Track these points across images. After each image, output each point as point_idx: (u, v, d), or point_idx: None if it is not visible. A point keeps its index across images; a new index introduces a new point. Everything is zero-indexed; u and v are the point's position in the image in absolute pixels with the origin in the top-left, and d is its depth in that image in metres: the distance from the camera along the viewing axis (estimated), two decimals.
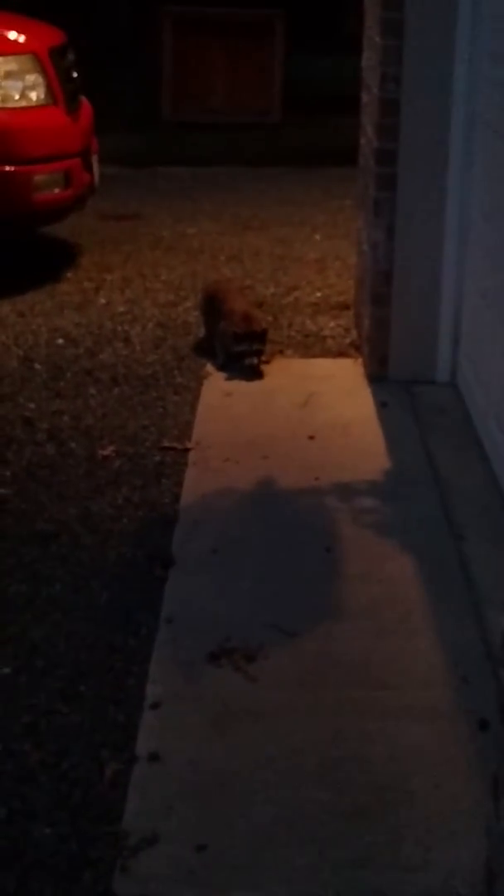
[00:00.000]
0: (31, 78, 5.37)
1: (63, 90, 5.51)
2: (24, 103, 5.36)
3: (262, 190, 7.46)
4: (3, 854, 2.12)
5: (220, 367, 4.37)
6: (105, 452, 3.73)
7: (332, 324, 4.93)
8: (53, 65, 5.45)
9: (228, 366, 4.35)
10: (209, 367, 4.40)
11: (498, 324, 3.52)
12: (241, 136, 8.97)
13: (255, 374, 4.29)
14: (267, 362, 4.41)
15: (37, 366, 4.47)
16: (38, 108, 5.40)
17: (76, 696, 2.55)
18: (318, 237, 6.36)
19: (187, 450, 3.73)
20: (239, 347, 4.29)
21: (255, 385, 4.26)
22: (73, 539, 3.21)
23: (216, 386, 4.25)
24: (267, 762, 2.32)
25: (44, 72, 5.38)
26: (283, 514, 3.33)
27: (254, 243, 6.22)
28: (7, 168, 5.24)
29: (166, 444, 3.79)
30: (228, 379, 4.29)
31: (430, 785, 2.26)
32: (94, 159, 5.87)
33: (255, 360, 4.30)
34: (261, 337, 4.32)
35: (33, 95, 5.38)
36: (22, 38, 5.50)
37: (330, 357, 4.57)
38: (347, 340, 4.72)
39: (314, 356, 4.59)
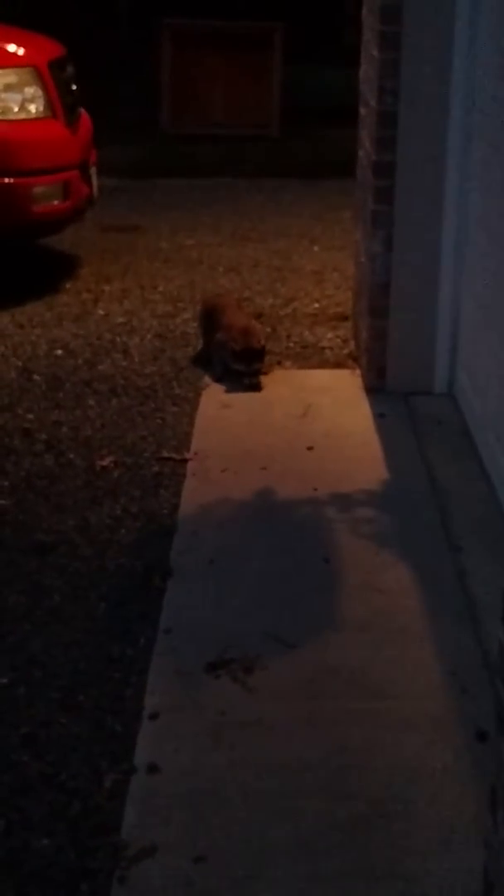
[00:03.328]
0: (31, 90, 5.39)
1: (62, 103, 5.53)
2: (23, 116, 5.38)
3: (260, 202, 7.48)
4: (2, 865, 2.12)
5: (218, 379, 4.38)
6: (104, 463, 3.73)
7: (330, 335, 4.94)
8: (53, 77, 5.47)
9: (226, 377, 4.35)
10: (207, 379, 4.41)
11: (495, 335, 3.53)
12: (240, 147, 8.99)
13: (254, 390, 4.29)
14: (265, 373, 4.42)
15: (35, 377, 4.48)
16: (37, 120, 5.42)
17: (75, 706, 2.55)
18: (316, 249, 6.37)
19: (186, 460, 3.74)
20: (237, 366, 4.30)
21: (253, 396, 4.27)
22: (71, 550, 3.21)
23: (214, 397, 4.26)
24: (265, 773, 2.32)
25: (43, 84, 5.40)
26: (282, 525, 3.33)
27: (252, 255, 6.24)
28: (6, 180, 5.26)
29: (165, 454, 3.79)
30: (227, 390, 4.30)
31: (428, 795, 2.26)
32: (93, 171, 5.89)
33: (255, 380, 4.30)
34: (259, 354, 4.33)
35: (32, 108, 5.40)
36: (21, 51, 5.53)
37: (328, 368, 4.58)
38: (345, 351, 4.73)
39: (312, 367, 4.60)
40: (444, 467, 3.63)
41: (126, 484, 3.60)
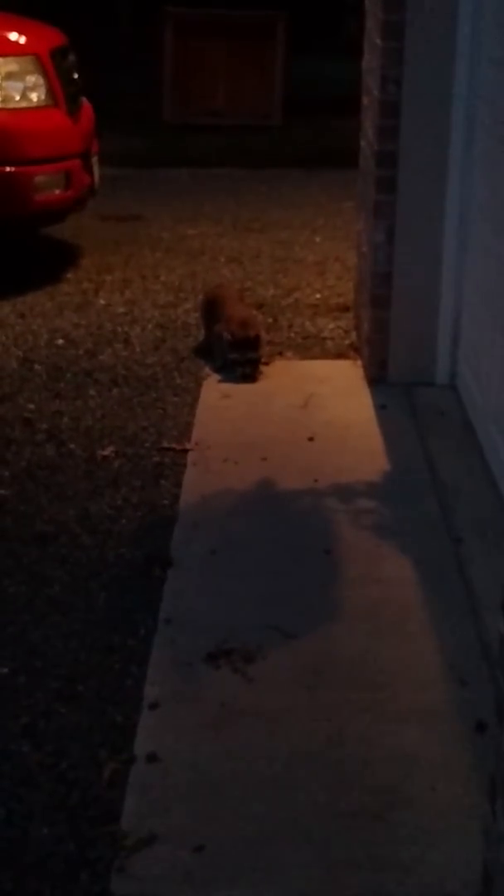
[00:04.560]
0: (32, 79, 5.37)
1: (64, 91, 5.51)
2: (24, 104, 5.36)
3: (262, 192, 7.47)
4: (2, 854, 2.12)
5: (218, 369, 4.37)
6: (104, 453, 3.73)
7: (331, 325, 4.93)
8: (54, 66, 5.46)
9: (226, 368, 4.35)
10: (208, 369, 4.41)
11: (497, 326, 3.52)
12: (242, 137, 8.97)
13: (248, 380, 4.27)
14: (266, 364, 4.41)
15: (36, 367, 4.47)
16: (38, 109, 5.41)
17: (75, 696, 2.55)
18: (318, 239, 6.36)
19: (186, 451, 3.74)
20: (232, 354, 4.30)
21: (254, 386, 4.26)
22: (72, 540, 3.21)
23: (215, 387, 4.25)
24: (265, 763, 2.32)
25: (45, 73, 5.39)
26: (282, 516, 3.33)
27: (254, 245, 6.23)
28: (8, 169, 5.25)
29: (165, 445, 3.79)
30: (227, 380, 4.30)
31: (427, 786, 2.26)
32: (95, 160, 5.88)
33: (248, 370, 4.29)
34: (254, 344, 4.32)
35: (34, 96, 5.39)
36: (23, 40, 5.51)
37: (329, 359, 4.58)
38: (347, 342, 4.72)
39: (314, 358, 4.59)
40: (445, 459, 3.63)
41: (127, 474, 3.60)
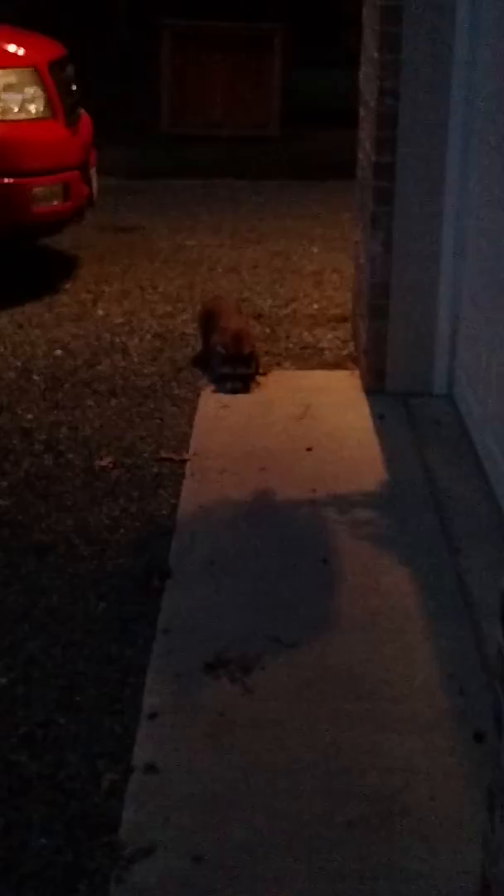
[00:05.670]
0: (31, 91, 5.39)
1: (62, 103, 5.53)
2: (23, 116, 5.38)
3: (260, 203, 7.48)
4: (0, 865, 2.12)
5: (214, 381, 4.37)
6: (102, 463, 3.74)
7: (329, 336, 4.94)
8: (53, 78, 5.47)
9: (219, 381, 4.35)
10: (206, 379, 4.41)
11: (494, 336, 3.53)
12: (240, 149, 9.00)
13: (241, 392, 4.27)
14: (264, 374, 4.42)
15: (35, 377, 4.48)
16: (37, 120, 5.42)
17: (73, 706, 2.55)
18: (315, 250, 6.38)
19: (185, 461, 3.74)
20: (224, 369, 4.31)
21: (252, 397, 4.27)
22: (70, 550, 3.22)
23: (213, 397, 4.26)
24: (263, 773, 2.32)
25: (43, 85, 5.41)
26: (281, 526, 3.33)
27: (252, 255, 6.24)
28: (6, 180, 5.26)
29: (164, 455, 3.79)
30: (214, 390, 4.30)
31: (426, 796, 2.26)
32: (93, 172, 5.89)
33: (238, 385, 4.29)
34: (245, 360, 4.32)
35: (32, 108, 5.41)
36: (21, 52, 5.53)
37: (327, 369, 4.59)
38: (345, 352, 4.73)
39: (311, 368, 4.60)
40: (442, 469, 3.64)
41: (125, 484, 3.60)
